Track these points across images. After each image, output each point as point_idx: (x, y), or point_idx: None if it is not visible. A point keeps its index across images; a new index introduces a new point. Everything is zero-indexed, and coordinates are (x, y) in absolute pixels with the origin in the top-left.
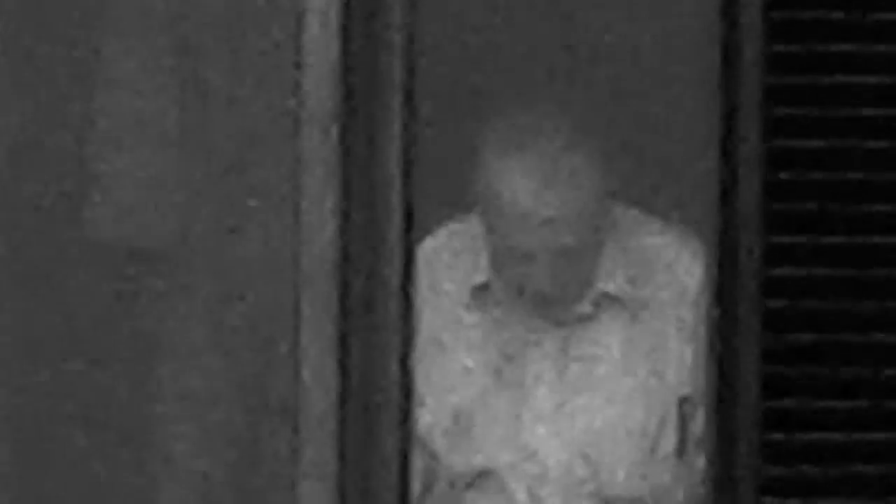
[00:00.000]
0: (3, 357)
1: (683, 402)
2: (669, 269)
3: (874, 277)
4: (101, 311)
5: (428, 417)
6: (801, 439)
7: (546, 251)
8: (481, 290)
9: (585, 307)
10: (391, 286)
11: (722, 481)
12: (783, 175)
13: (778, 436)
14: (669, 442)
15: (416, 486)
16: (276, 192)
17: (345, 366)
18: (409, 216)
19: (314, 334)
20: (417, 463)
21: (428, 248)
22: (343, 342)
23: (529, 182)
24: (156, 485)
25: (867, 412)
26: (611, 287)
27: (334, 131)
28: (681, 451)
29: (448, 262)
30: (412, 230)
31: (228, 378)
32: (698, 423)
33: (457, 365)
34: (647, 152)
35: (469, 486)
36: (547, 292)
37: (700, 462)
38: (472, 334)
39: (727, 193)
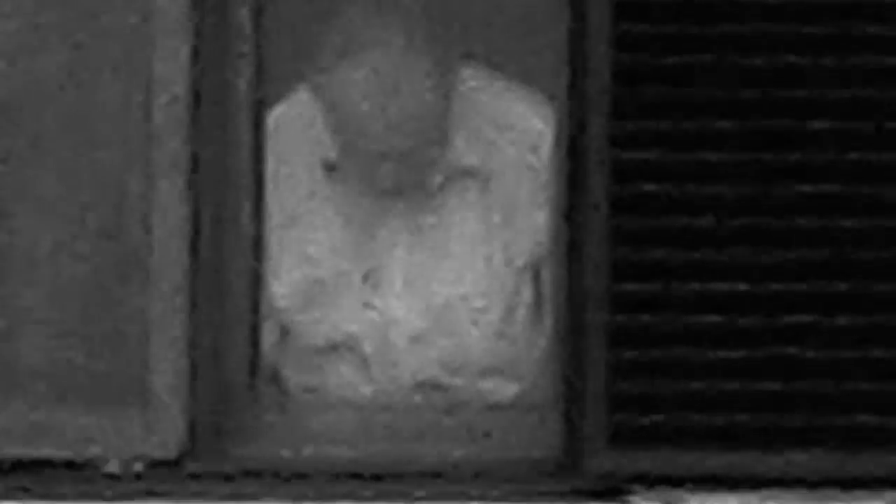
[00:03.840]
0: None
1: (536, 265)
2: (520, 133)
3: (717, 160)
4: None
5: (282, 289)
6: (647, 290)
7: (392, 148)
8: (331, 166)
9: (436, 179)
10: (241, 150)
11: (573, 337)
12: (632, 25)
13: (626, 287)
14: (523, 306)
15: (271, 357)
16: (126, 45)
17: (196, 222)
18: (259, 77)
19: (166, 189)
20: (272, 335)
21: (278, 116)
22: (195, 197)
23: (368, 93)
24: (9, 336)
25: (711, 265)
26: (461, 159)
27: None
28: (534, 314)
29: (298, 133)
30: (263, 92)
31: (81, 231)
32: (548, 284)
33: (310, 237)
34: (494, 15)
35: (323, 356)
36: (397, 171)
37: (551, 323)
38: (324, 207)
39: (574, 52)
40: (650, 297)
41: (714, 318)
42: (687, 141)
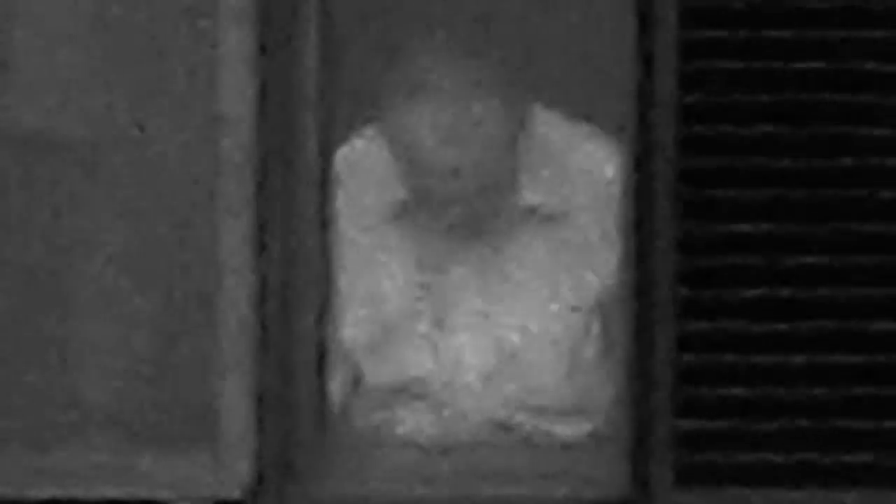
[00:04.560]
0: None
1: (605, 304)
2: (589, 173)
3: (789, 197)
4: (19, 203)
5: (351, 330)
6: (715, 329)
7: (462, 190)
8: (400, 206)
9: (506, 221)
10: (309, 190)
11: (641, 376)
12: (698, 64)
13: (693, 325)
14: (593, 347)
15: (340, 397)
16: (192, 85)
17: (264, 262)
18: (326, 117)
19: (233, 230)
20: (341, 376)
21: (345, 157)
22: (262, 238)
23: (438, 135)
24: (77, 379)
25: (783, 302)
26: (533, 199)
27: (250, 25)
28: (604, 355)
29: (366, 174)
30: (330, 132)
31: (147, 270)
32: (617, 323)
33: (379, 278)
34: (561, 54)
35: (392, 397)
36: (466, 213)
37: (619, 362)
38: (394, 247)
39: (643, 91)
40: (718, 335)
41: (783, 357)
42: (755, 178)
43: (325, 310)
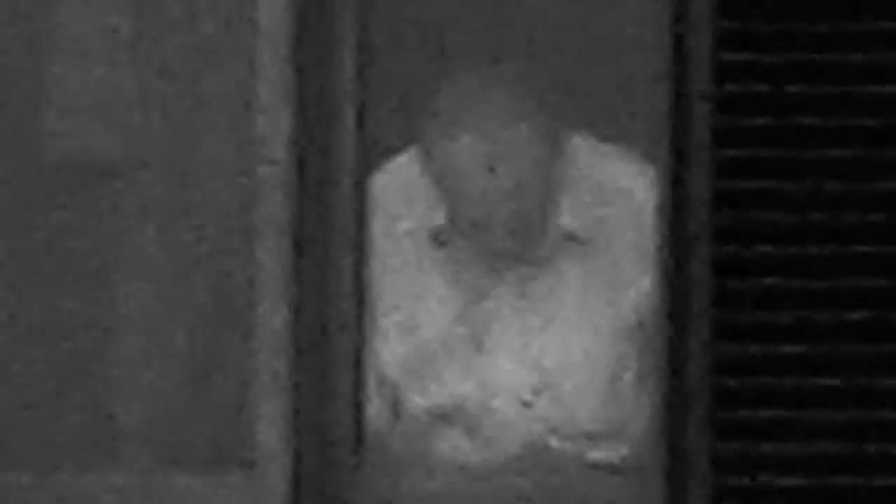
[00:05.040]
0: None
1: (641, 330)
2: (625, 197)
3: (822, 220)
4: (57, 230)
5: (389, 355)
6: (751, 352)
7: (500, 216)
8: (439, 231)
9: (544, 246)
10: (345, 214)
11: (676, 400)
12: (731, 87)
13: (729, 348)
14: (630, 372)
15: (380, 422)
16: (229, 107)
17: (300, 284)
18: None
19: (268, 252)
20: (379, 401)
21: (383, 182)
22: (298, 260)
23: (475, 162)
24: (113, 401)
25: (819, 324)
26: (570, 224)
27: (286, 47)
28: (640, 379)
29: (403, 200)
30: (366, 156)
31: (185, 294)
32: (654, 349)
33: (417, 304)
34: (597, 82)
35: (431, 421)
36: (505, 238)
37: (657, 388)
38: (431, 274)
39: (677, 114)
40: (754, 358)
41: (819, 379)
42: (791, 200)
43: (361, 333)
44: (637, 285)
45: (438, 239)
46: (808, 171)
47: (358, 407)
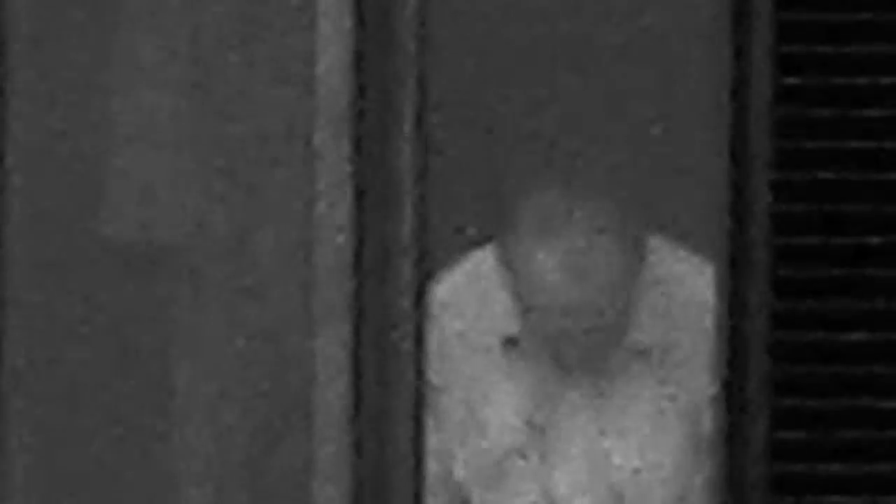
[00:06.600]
0: (22, 357)
1: (708, 435)
2: (692, 300)
3: (883, 278)
4: (117, 311)
5: (457, 462)
6: (810, 440)
7: (577, 325)
8: (512, 341)
9: (618, 355)
10: (403, 298)
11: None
12: (790, 173)
13: (788, 435)
14: (701, 479)
15: None
16: (289, 191)
17: (358, 372)
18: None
19: (327, 339)
20: (445, 496)
21: (454, 284)
22: (357, 348)
23: (558, 274)
24: (172, 483)
25: (878, 411)
26: (643, 338)
27: (347, 132)
28: (713, 486)
29: (476, 304)
30: (427, 254)
31: (243, 377)
32: (719, 453)
33: (487, 411)
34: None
35: None
36: (580, 350)
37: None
38: (501, 381)
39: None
40: (812, 446)
41: (876, 434)
42: (848, 287)
43: (421, 427)
44: (706, 389)
45: (511, 345)
46: (865, 255)
47: (417, 498)
